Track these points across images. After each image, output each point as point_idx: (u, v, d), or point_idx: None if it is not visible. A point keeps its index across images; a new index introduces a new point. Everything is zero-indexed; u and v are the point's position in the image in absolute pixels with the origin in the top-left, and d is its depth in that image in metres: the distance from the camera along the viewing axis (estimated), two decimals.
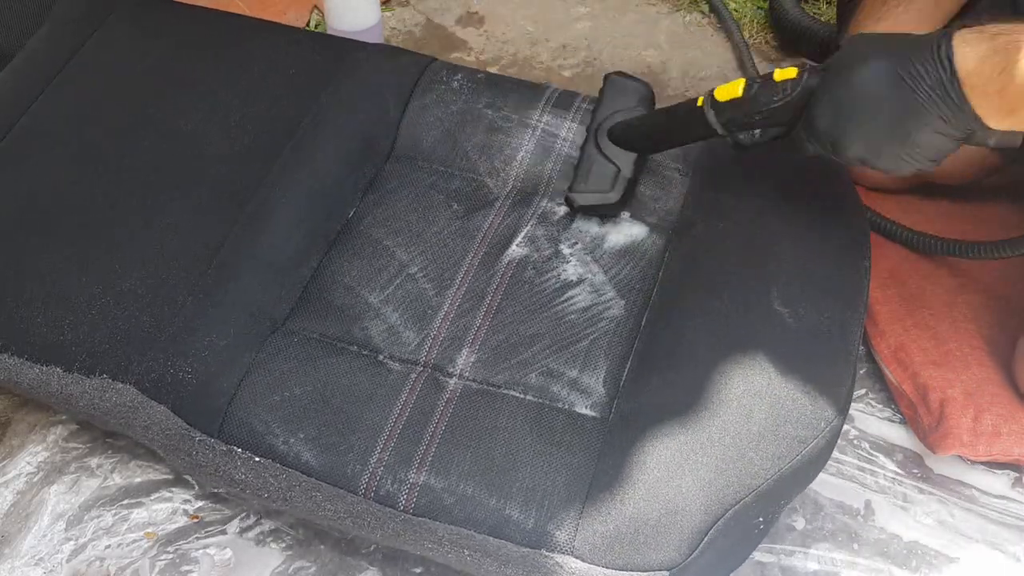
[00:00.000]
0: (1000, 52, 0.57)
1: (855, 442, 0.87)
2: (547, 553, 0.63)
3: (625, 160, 0.81)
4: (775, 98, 0.68)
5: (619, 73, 0.86)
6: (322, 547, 0.79)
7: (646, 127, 0.81)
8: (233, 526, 0.81)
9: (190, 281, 0.76)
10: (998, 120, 0.59)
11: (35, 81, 0.91)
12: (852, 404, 0.87)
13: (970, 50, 0.58)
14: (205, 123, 0.87)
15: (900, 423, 0.88)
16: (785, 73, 0.68)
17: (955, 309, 0.90)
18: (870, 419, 0.88)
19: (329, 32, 1.16)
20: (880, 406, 0.89)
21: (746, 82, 0.70)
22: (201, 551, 0.79)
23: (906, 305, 0.90)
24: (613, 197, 0.80)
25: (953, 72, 0.59)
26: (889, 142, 0.63)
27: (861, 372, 0.91)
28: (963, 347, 0.86)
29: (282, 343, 0.73)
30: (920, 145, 0.62)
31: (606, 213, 0.82)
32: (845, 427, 0.86)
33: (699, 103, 0.73)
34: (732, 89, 0.70)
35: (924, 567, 0.79)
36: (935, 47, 0.59)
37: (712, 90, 0.72)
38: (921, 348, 0.87)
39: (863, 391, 0.90)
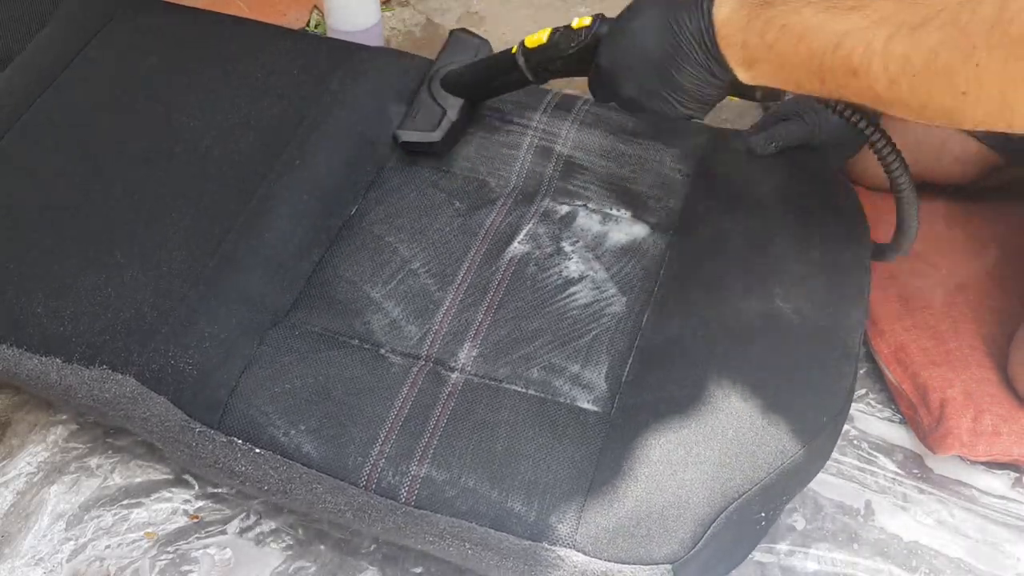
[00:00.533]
0: (746, 6, 0.61)
1: (855, 442, 0.87)
2: (549, 546, 0.63)
3: (453, 105, 0.87)
4: (572, 44, 0.74)
5: (462, 30, 0.94)
6: (322, 547, 0.79)
7: (470, 73, 0.87)
8: (233, 526, 0.80)
9: (192, 274, 0.76)
10: (742, 72, 0.63)
11: (38, 80, 0.91)
12: (852, 404, 0.87)
13: (726, 3, 0.62)
14: (207, 123, 0.87)
15: (900, 423, 0.88)
16: (581, 22, 0.74)
17: (955, 309, 0.90)
18: (870, 419, 0.88)
19: (329, 32, 1.16)
20: (880, 406, 0.89)
21: (551, 30, 0.77)
22: (201, 551, 0.79)
23: (906, 305, 0.90)
24: (436, 136, 0.85)
25: (710, 22, 0.63)
26: (657, 84, 0.67)
27: (861, 372, 0.91)
28: (963, 347, 0.86)
29: (283, 336, 0.74)
30: (684, 89, 0.66)
31: (428, 151, 0.86)
32: (845, 427, 0.86)
33: (513, 51, 0.80)
34: (539, 37, 0.78)
35: (924, 567, 0.79)
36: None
37: (523, 39, 0.79)
38: (921, 348, 0.87)
39: (863, 391, 0.90)
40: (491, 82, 0.86)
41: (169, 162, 0.84)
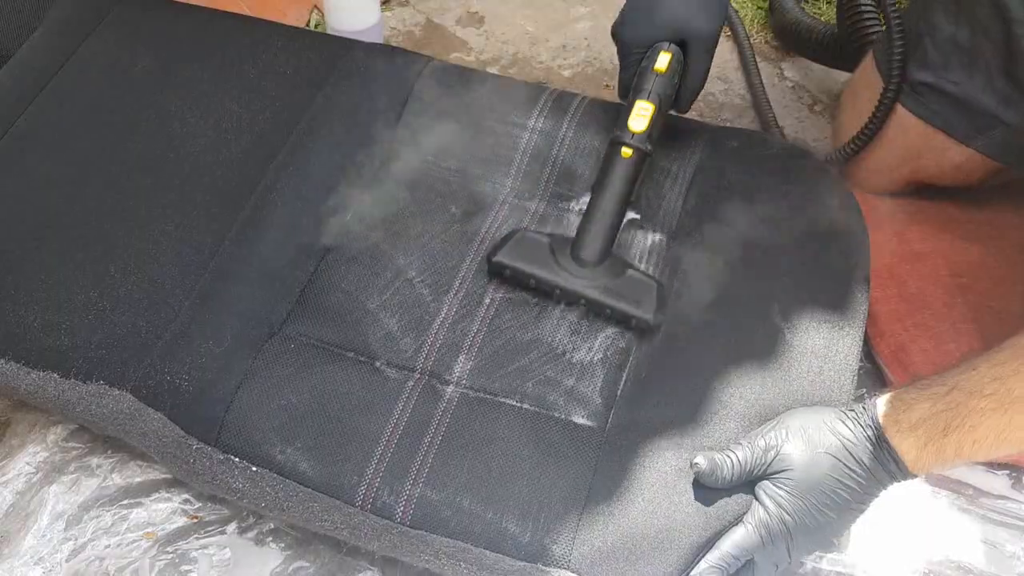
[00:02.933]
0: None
1: None
2: (544, 567, 0.63)
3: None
4: None
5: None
6: (321, 547, 0.79)
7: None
8: (232, 526, 0.80)
9: (186, 286, 0.76)
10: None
11: (31, 84, 0.90)
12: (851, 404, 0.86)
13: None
14: (202, 126, 0.86)
15: None
16: None
17: (955, 310, 0.89)
18: None
19: (329, 32, 1.15)
20: None
21: None
22: (200, 551, 0.79)
23: (906, 305, 0.90)
24: (647, 314, 0.73)
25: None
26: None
27: (861, 372, 0.90)
28: (963, 348, 0.86)
29: (279, 349, 0.73)
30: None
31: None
32: None
33: None
34: None
35: (924, 567, 0.79)
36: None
37: None
38: (921, 349, 0.87)
39: (863, 391, 0.90)
40: None
41: (162, 169, 0.83)
